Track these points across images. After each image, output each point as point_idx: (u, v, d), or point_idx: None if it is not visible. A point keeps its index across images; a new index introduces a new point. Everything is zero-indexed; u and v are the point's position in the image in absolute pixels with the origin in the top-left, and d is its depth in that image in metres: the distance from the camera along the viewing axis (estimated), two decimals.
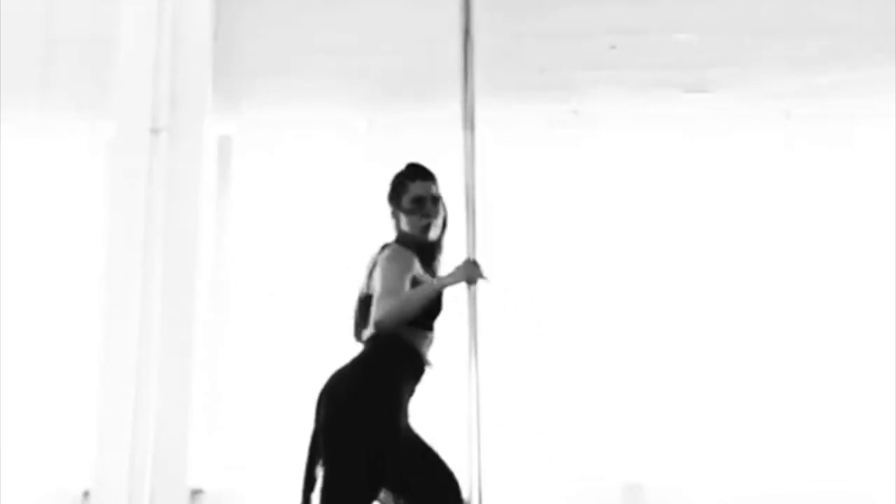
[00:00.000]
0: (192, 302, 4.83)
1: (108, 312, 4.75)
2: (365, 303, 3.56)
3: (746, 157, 5.20)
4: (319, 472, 3.35)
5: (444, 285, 3.44)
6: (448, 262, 3.65)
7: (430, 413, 4.50)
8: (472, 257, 3.46)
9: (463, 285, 3.46)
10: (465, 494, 3.37)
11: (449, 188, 3.84)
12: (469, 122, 3.48)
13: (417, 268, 3.48)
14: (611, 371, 5.02)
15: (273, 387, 5.08)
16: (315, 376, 5.10)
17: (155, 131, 4.86)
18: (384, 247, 3.63)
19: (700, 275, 5.11)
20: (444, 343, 3.71)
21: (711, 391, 5.02)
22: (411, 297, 3.37)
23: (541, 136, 5.15)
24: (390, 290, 3.36)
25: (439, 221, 3.61)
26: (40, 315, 5.06)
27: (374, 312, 3.41)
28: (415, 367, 3.47)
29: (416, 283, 3.43)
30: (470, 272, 3.43)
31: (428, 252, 3.58)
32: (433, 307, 3.44)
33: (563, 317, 5.00)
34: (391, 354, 3.42)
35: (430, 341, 3.51)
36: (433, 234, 3.57)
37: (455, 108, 3.57)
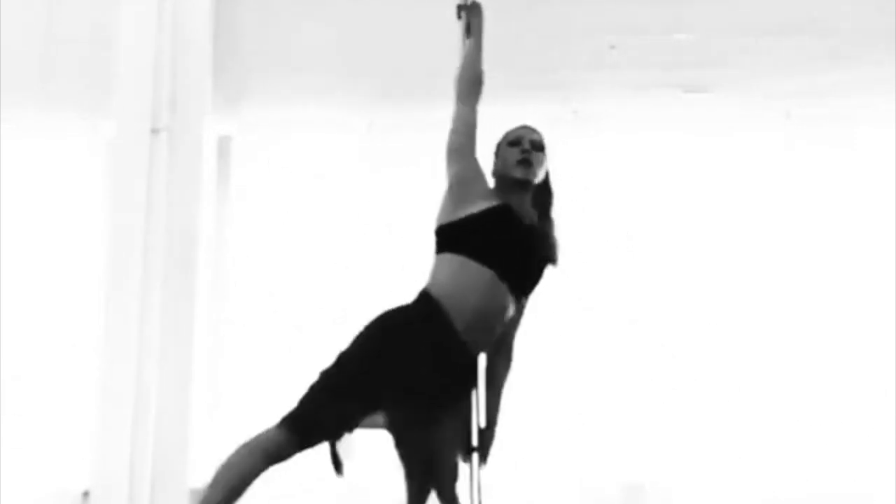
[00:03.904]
0: (192, 302, 4.83)
1: (108, 312, 4.75)
2: None
3: (746, 157, 5.21)
4: None
5: None
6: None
7: None
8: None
9: None
10: (465, 495, 3.37)
11: None
12: None
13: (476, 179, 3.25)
14: (611, 371, 5.02)
15: (273, 386, 5.08)
16: (315, 374, 5.12)
17: (155, 131, 4.86)
18: None
19: (700, 274, 5.11)
20: None
21: (712, 392, 5.02)
22: None
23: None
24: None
25: (534, 162, 3.27)
26: (40, 315, 5.07)
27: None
28: None
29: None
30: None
31: (516, 189, 3.26)
32: None
33: (562, 316, 5.00)
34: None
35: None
36: (520, 173, 3.23)
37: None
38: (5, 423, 4.90)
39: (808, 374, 5.01)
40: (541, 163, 3.31)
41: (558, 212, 3.49)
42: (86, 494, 4.79)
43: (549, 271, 3.30)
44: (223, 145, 5.30)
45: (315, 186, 5.26)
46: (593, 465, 4.92)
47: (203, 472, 4.93)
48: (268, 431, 3.03)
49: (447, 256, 3.16)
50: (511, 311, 3.15)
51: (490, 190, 3.29)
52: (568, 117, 5.20)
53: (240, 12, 5.15)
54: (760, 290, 5.09)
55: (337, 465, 3.07)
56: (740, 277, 5.11)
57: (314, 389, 3.07)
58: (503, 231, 3.17)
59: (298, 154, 5.30)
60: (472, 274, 3.09)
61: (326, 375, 3.09)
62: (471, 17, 3.51)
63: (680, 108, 5.21)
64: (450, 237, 3.19)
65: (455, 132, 3.32)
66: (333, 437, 3.05)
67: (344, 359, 3.11)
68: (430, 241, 3.81)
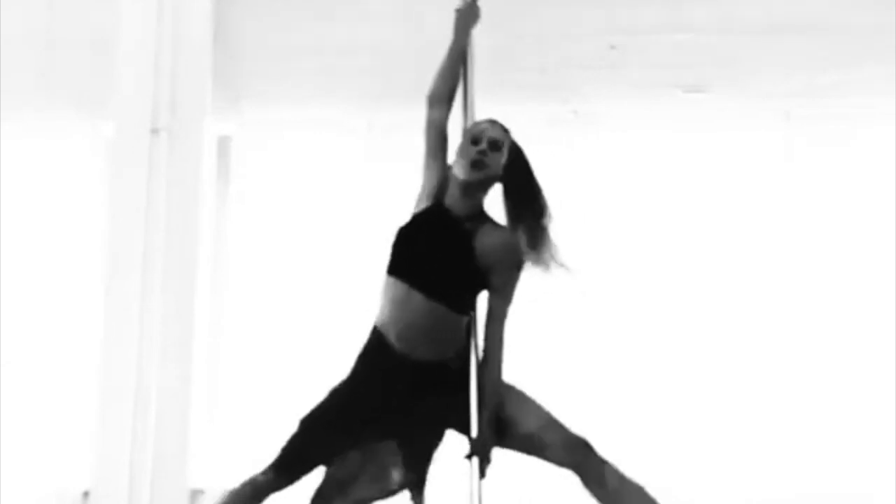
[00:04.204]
0: (192, 302, 4.83)
1: (108, 312, 4.75)
2: None
3: (746, 157, 5.21)
4: None
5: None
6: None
7: None
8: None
9: None
10: (465, 495, 3.37)
11: None
12: (469, 122, 3.48)
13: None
14: (610, 371, 5.02)
15: (273, 386, 5.08)
16: (315, 375, 5.12)
17: (155, 131, 4.86)
18: None
19: (700, 275, 5.11)
20: None
21: (712, 392, 5.02)
22: None
23: (541, 136, 5.15)
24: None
25: (489, 163, 3.20)
26: (40, 315, 5.07)
27: None
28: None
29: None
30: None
31: (463, 189, 3.22)
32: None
33: (561, 317, 5.00)
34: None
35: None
36: (468, 174, 3.18)
37: (455, 108, 3.57)
38: (5, 423, 4.90)
39: (808, 374, 5.01)
40: (497, 162, 3.26)
41: (557, 212, 3.49)
42: (86, 494, 4.79)
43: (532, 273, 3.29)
44: (223, 145, 5.30)
45: (315, 186, 5.26)
46: None
47: (203, 472, 4.94)
48: (263, 471, 3.25)
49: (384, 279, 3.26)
50: (445, 312, 3.15)
51: (434, 192, 3.29)
52: (568, 117, 5.20)
53: (239, 13, 5.15)
54: (760, 291, 5.09)
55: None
56: (740, 277, 5.11)
57: (292, 436, 3.25)
58: (421, 237, 3.23)
59: (298, 154, 5.30)
60: (392, 292, 3.18)
61: (302, 424, 3.25)
62: (457, 18, 3.51)
63: (680, 108, 5.21)
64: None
65: (426, 138, 3.37)
66: (311, 471, 3.24)
67: (319, 407, 3.26)
68: None
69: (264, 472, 3.23)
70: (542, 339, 4.99)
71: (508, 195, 3.30)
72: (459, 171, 3.24)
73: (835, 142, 5.19)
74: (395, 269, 3.21)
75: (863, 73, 5.08)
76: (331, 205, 5.23)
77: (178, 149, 4.88)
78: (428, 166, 3.35)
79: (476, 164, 3.21)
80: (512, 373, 3.33)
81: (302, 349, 5.06)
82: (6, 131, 5.11)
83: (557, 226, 3.43)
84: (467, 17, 3.53)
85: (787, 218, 5.15)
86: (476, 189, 3.25)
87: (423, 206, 3.28)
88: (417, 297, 3.13)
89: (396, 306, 3.16)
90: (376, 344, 3.21)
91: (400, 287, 3.17)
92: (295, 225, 5.23)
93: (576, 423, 4.95)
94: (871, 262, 5.08)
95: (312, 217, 5.22)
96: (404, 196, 5.16)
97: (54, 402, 4.99)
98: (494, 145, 3.26)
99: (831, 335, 5.02)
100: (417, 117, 5.18)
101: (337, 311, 5.09)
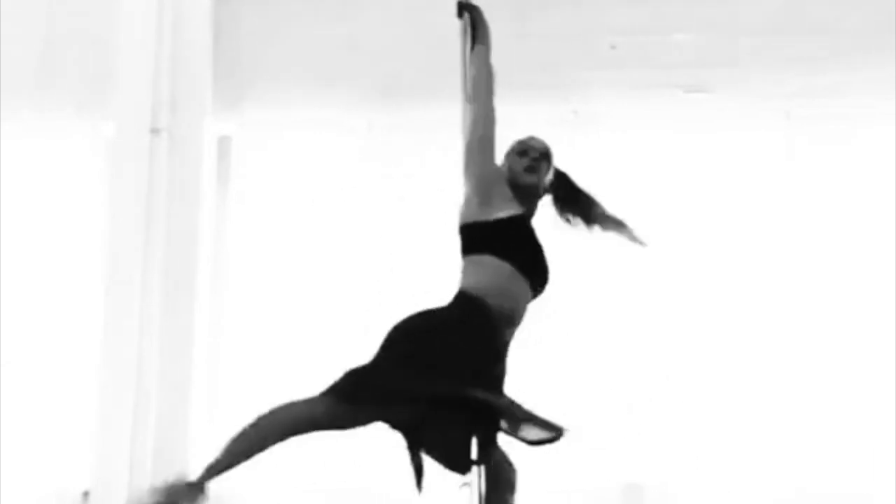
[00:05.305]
0: (192, 301, 4.84)
1: (108, 312, 4.75)
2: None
3: (746, 157, 5.21)
4: None
5: None
6: None
7: None
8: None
9: None
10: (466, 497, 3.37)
11: (449, 188, 3.83)
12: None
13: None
14: (610, 371, 5.02)
15: (273, 385, 5.08)
16: (315, 374, 5.12)
17: (155, 131, 4.86)
18: None
19: (700, 274, 5.11)
20: None
21: (711, 392, 5.02)
22: None
23: (541, 136, 5.14)
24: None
25: (542, 169, 3.51)
26: (40, 315, 5.06)
27: None
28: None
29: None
30: None
31: (525, 193, 3.48)
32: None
33: (562, 316, 5.00)
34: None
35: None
36: (529, 179, 3.45)
37: (455, 108, 3.57)
38: (5, 423, 4.90)
39: (808, 374, 5.01)
40: (546, 171, 3.52)
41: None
42: (86, 494, 4.79)
43: None
44: (223, 145, 5.30)
45: (315, 186, 5.26)
46: (593, 465, 4.92)
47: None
48: (314, 398, 3.22)
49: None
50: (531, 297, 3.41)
51: (511, 195, 3.42)
52: (568, 117, 5.19)
53: (240, 12, 5.15)
54: (760, 291, 5.09)
55: (419, 477, 3.13)
56: (740, 277, 5.11)
57: (365, 367, 3.21)
58: (523, 233, 3.44)
59: (298, 154, 5.30)
60: (496, 270, 3.31)
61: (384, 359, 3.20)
62: (475, 18, 3.56)
63: (680, 108, 5.21)
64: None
65: (478, 129, 3.42)
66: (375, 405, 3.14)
67: (388, 351, 3.21)
68: (429, 239, 3.85)
69: (318, 400, 3.18)
70: (543, 339, 4.98)
71: (557, 199, 3.62)
72: (522, 178, 3.44)
73: (835, 142, 5.19)
74: (503, 252, 3.32)
75: (863, 73, 5.08)
76: (330, 205, 5.23)
77: (178, 149, 4.88)
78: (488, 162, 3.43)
79: (530, 169, 3.45)
80: (513, 375, 3.33)
81: (302, 349, 5.05)
82: (6, 131, 5.10)
83: (557, 225, 3.45)
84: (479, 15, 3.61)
85: (787, 218, 5.14)
86: (538, 197, 3.50)
87: (501, 208, 3.38)
88: (521, 280, 3.33)
89: (501, 281, 3.29)
90: (477, 305, 3.25)
91: (505, 267, 3.30)
92: (295, 225, 5.22)
93: (576, 424, 4.96)
94: (872, 262, 5.07)
95: (312, 217, 5.22)
96: (404, 196, 5.18)
97: (54, 402, 4.99)
98: (544, 155, 3.52)
99: (831, 335, 5.02)
100: (417, 117, 5.21)
101: (336, 310, 5.09)
